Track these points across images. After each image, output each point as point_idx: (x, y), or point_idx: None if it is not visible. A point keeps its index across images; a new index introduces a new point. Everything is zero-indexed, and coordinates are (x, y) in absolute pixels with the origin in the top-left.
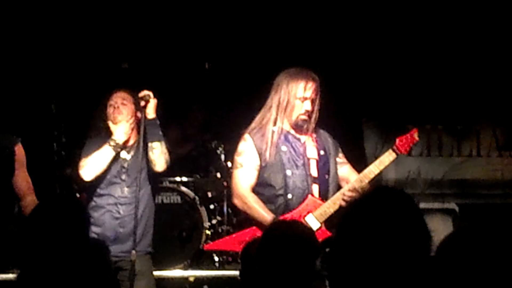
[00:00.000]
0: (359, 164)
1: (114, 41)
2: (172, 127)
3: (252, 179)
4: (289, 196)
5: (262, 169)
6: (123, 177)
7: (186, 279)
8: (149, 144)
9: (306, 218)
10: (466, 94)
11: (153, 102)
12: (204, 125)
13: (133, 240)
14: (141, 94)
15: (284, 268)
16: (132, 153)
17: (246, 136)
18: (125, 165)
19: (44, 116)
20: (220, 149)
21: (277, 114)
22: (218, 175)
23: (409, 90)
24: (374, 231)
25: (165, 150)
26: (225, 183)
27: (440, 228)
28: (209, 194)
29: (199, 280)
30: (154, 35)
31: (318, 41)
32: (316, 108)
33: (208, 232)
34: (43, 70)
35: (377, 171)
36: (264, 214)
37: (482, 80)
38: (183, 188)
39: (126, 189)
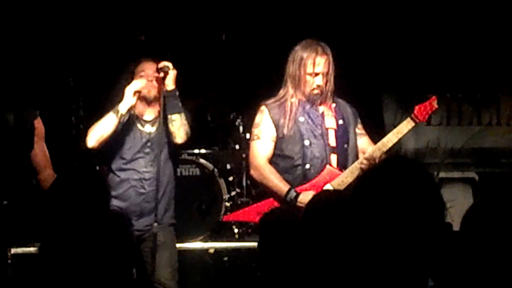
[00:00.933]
0: (378, 134)
1: (131, 13)
2: (189, 99)
3: (268, 150)
4: (307, 166)
5: (279, 140)
6: (147, 151)
7: (206, 251)
8: (169, 117)
9: (323, 189)
10: (485, 62)
11: (172, 73)
12: (222, 97)
13: (154, 213)
14: (160, 65)
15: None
16: (156, 126)
17: (263, 107)
18: (149, 138)
19: (62, 90)
20: (239, 121)
21: (292, 89)
22: (237, 147)
23: (428, 59)
24: (387, 200)
25: (184, 122)
26: (243, 155)
27: (460, 197)
28: (228, 166)
29: (219, 252)
30: (171, 6)
31: (335, 11)
32: (329, 81)
33: (227, 204)
34: (60, 43)
35: (395, 140)
36: (281, 185)
37: (502, 48)
38: (202, 161)
39: (150, 163)
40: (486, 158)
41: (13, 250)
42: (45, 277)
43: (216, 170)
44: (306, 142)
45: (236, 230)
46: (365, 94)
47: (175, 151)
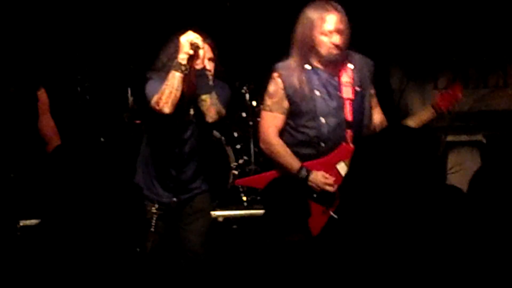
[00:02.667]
0: (384, 99)
1: None
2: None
3: (279, 123)
4: (322, 144)
5: (294, 113)
6: (188, 134)
7: (215, 219)
8: (199, 97)
9: (337, 166)
10: (491, 25)
11: (202, 51)
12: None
13: (180, 185)
14: (188, 40)
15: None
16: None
17: (277, 78)
18: (189, 119)
19: (67, 60)
20: (245, 88)
21: (304, 55)
22: (244, 114)
23: (434, 23)
24: (387, 164)
25: (215, 102)
26: (250, 123)
27: (468, 160)
28: (235, 134)
29: (228, 220)
30: None
31: None
32: (345, 39)
33: (235, 172)
34: (65, 13)
35: (414, 125)
36: (292, 162)
37: (507, 10)
38: (214, 128)
39: (187, 144)
40: (493, 121)
41: (22, 222)
42: (51, 249)
43: (223, 138)
44: (322, 120)
45: (244, 198)
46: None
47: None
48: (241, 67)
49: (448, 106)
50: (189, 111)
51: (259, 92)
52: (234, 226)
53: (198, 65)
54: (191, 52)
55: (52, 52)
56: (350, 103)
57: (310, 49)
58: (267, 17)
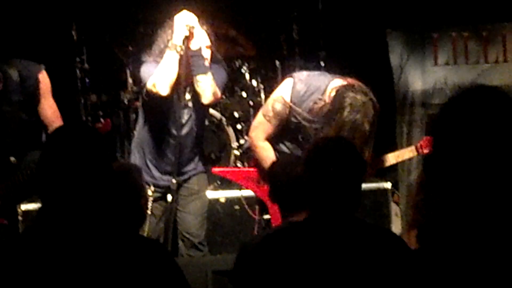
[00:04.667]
0: (384, 76)
1: None
2: None
3: (272, 133)
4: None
5: (291, 123)
6: (185, 117)
7: (217, 200)
8: (195, 77)
9: None
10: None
11: (198, 31)
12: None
13: (177, 167)
14: (182, 20)
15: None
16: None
17: (290, 82)
18: (186, 104)
19: (66, 43)
20: (245, 68)
21: None
22: (244, 94)
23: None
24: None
25: (211, 82)
26: (251, 103)
27: None
28: (236, 114)
29: (230, 201)
30: None
31: None
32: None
33: (236, 152)
34: None
35: (394, 162)
36: (270, 156)
37: None
38: (210, 109)
39: (185, 128)
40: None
41: (23, 207)
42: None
43: (224, 118)
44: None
45: None
46: (370, 36)
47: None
48: (240, 47)
49: (429, 152)
50: (185, 94)
51: (259, 71)
52: (236, 207)
53: (194, 45)
54: (187, 32)
55: (50, 35)
56: None
57: None
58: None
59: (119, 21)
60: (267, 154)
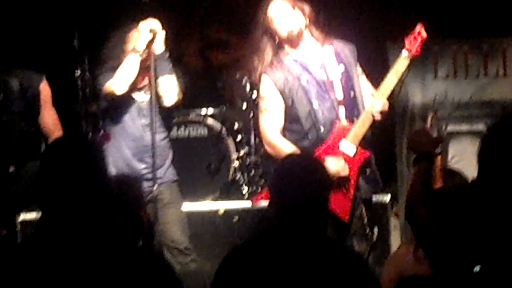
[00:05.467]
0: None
1: None
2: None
3: (279, 122)
4: (322, 129)
5: (289, 108)
6: (143, 120)
7: (215, 211)
8: (158, 79)
9: (340, 145)
10: (490, 13)
11: (161, 35)
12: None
13: (153, 175)
14: (147, 26)
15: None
16: (148, 93)
17: (265, 77)
18: (142, 106)
19: (67, 53)
20: (245, 79)
21: (272, 41)
22: (244, 105)
23: (432, 10)
24: None
25: (175, 83)
26: (251, 114)
27: (469, 150)
28: (236, 125)
29: (229, 212)
30: None
31: None
32: (303, 19)
33: (236, 163)
34: (64, 5)
35: (396, 80)
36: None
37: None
38: (209, 121)
39: (145, 129)
40: (494, 110)
41: (21, 217)
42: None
43: (224, 129)
44: (315, 105)
45: (245, 190)
46: (371, 47)
47: (169, 113)
48: (241, 58)
49: (418, 49)
50: (146, 98)
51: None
52: (235, 218)
53: (158, 49)
54: (150, 37)
55: (51, 45)
56: (339, 82)
57: (273, 35)
58: None
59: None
60: (288, 148)
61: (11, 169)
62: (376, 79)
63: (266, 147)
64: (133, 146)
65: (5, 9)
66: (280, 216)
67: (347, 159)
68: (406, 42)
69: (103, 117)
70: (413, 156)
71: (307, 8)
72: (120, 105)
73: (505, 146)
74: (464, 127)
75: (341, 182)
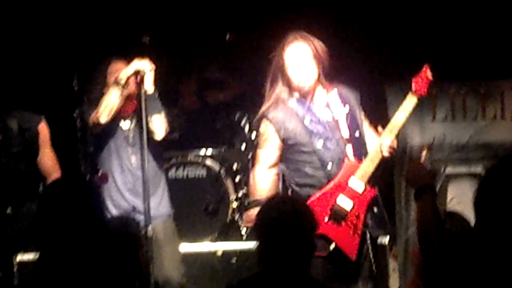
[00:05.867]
0: (383, 127)
1: (134, 14)
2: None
3: (271, 159)
4: (329, 167)
5: (292, 146)
6: (129, 150)
7: (214, 253)
8: (150, 118)
9: (349, 183)
10: (488, 56)
11: (150, 76)
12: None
13: (147, 210)
14: (136, 68)
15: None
16: (133, 122)
17: (265, 120)
18: (128, 135)
19: (66, 93)
20: (244, 120)
21: (284, 86)
22: (243, 147)
23: (432, 53)
24: None
25: (164, 120)
26: (250, 155)
27: (467, 192)
28: (234, 166)
29: (227, 254)
30: (174, 7)
31: (337, 6)
32: (317, 67)
33: (234, 204)
34: (63, 47)
35: (403, 119)
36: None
37: (504, 41)
38: (208, 162)
39: (133, 157)
40: (492, 152)
41: (19, 258)
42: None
43: (222, 170)
44: (319, 144)
45: (243, 231)
46: (369, 90)
47: (156, 146)
48: (240, 99)
49: (425, 90)
50: (134, 134)
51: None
52: (234, 259)
53: (149, 89)
54: (130, 72)
55: (50, 86)
56: (344, 121)
57: (285, 80)
58: (268, 49)
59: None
60: (259, 188)
61: (9, 210)
62: (376, 120)
63: (250, 179)
64: (123, 176)
65: (5, 50)
66: (263, 258)
67: (356, 196)
68: (413, 83)
69: (94, 150)
70: (412, 191)
71: (323, 54)
72: (107, 134)
73: (501, 190)
74: (463, 169)
75: (350, 220)
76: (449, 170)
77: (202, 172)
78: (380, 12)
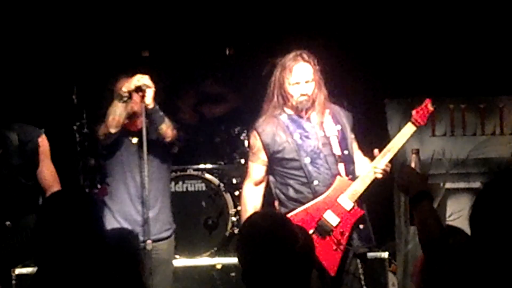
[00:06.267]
0: (382, 145)
1: (134, 29)
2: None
3: (258, 174)
4: (315, 182)
5: (280, 161)
6: (140, 164)
7: (213, 266)
8: (159, 127)
9: (338, 200)
10: (488, 72)
11: (150, 92)
12: (227, 111)
13: (147, 227)
14: (137, 83)
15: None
16: (139, 138)
17: (254, 132)
18: (138, 149)
19: (66, 107)
20: (243, 135)
21: (279, 103)
22: (242, 161)
23: (431, 70)
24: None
25: (169, 124)
26: None
27: (466, 208)
28: (234, 181)
29: (226, 268)
30: (174, 22)
31: (336, 23)
32: (317, 88)
33: (234, 218)
34: (63, 61)
35: (400, 145)
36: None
37: (504, 56)
38: (208, 175)
39: (145, 171)
40: (491, 168)
41: (17, 271)
42: None
43: (221, 184)
44: (307, 160)
45: None
46: (369, 105)
47: (165, 160)
48: (239, 114)
49: (425, 120)
50: (141, 149)
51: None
52: (233, 274)
53: (150, 104)
54: (132, 87)
55: (50, 100)
56: (335, 139)
57: (283, 97)
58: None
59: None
60: (245, 203)
61: (8, 223)
62: (375, 135)
63: (241, 197)
64: (136, 190)
65: (6, 64)
66: (246, 276)
67: (343, 213)
68: (414, 112)
69: (104, 164)
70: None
71: (323, 76)
72: (119, 149)
73: (497, 206)
74: (462, 184)
75: (334, 235)
76: (448, 185)
77: (202, 186)
78: (380, 28)
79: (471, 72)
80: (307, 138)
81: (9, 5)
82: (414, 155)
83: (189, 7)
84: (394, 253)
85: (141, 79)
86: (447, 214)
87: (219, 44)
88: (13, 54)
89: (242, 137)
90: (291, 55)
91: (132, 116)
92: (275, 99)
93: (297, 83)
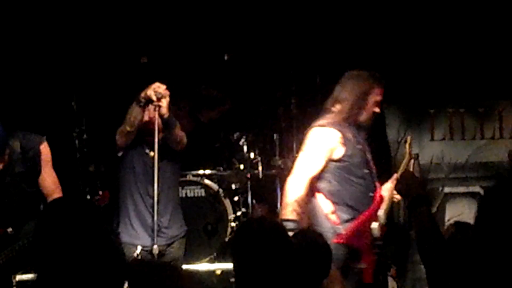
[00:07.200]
0: (381, 150)
1: (132, 36)
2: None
3: (316, 169)
4: (371, 194)
5: (348, 166)
6: (151, 172)
7: (212, 272)
8: (173, 131)
9: (378, 213)
10: (487, 76)
11: (165, 102)
12: (226, 117)
13: (159, 230)
14: (154, 85)
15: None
16: (155, 148)
17: (333, 128)
18: (152, 160)
19: (66, 114)
20: (243, 140)
21: (349, 114)
22: (241, 166)
23: (430, 74)
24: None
25: (178, 124)
26: (248, 175)
27: (465, 212)
28: (233, 186)
29: (226, 273)
30: (172, 28)
31: (336, 28)
32: None
33: (233, 224)
34: (63, 68)
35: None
36: (288, 214)
37: (503, 60)
38: (207, 181)
39: (161, 179)
40: (490, 172)
41: (18, 277)
42: None
43: (221, 190)
44: (366, 170)
45: None
46: None
47: (176, 170)
48: (239, 119)
49: None
50: (153, 155)
51: (257, 144)
52: (232, 280)
53: (165, 114)
54: (151, 94)
55: (49, 106)
56: (370, 156)
57: (358, 111)
58: (266, 69)
59: (119, 93)
60: (293, 201)
61: (9, 230)
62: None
63: (288, 181)
64: (144, 197)
65: (7, 73)
66: (239, 282)
67: (381, 227)
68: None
69: (121, 173)
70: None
71: None
72: (136, 159)
73: (501, 209)
74: (461, 188)
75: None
76: (447, 189)
77: (201, 191)
78: (379, 33)
79: (470, 77)
80: (363, 150)
81: (9, 12)
82: (412, 159)
83: (188, 14)
84: (394, 258)
85: (158, 89)
86: (446, 218)
87: (217, 49)
88: (13, 61)
89: (241, 143)
90: (375, 76)
91: (149, 127)
92: (356, 108)
93: (377, 104)
